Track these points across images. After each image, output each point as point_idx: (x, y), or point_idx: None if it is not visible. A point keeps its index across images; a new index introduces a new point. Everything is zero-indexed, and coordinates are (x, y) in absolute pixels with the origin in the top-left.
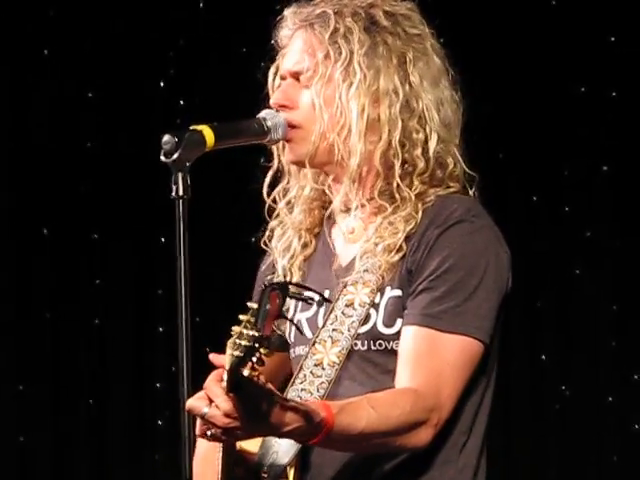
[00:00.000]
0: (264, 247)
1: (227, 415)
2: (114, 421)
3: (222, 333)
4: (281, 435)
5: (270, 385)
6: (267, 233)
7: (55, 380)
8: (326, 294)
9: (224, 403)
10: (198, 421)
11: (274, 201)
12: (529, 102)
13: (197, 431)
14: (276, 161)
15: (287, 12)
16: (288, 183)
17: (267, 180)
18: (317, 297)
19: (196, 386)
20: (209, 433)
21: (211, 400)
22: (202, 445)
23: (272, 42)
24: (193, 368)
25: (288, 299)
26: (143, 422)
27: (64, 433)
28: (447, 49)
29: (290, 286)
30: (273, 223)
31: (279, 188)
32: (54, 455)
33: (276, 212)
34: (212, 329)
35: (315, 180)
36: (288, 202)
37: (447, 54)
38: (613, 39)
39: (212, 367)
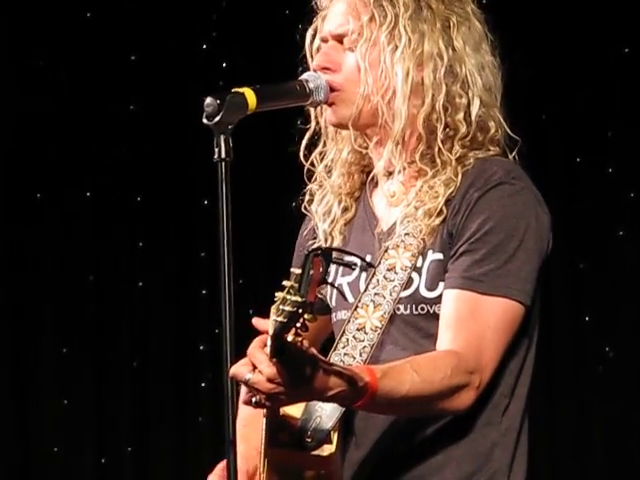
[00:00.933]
0: (304, 211)
1: (271, 380)
2: (158, 383)
3: (265, 295)
4: (325, 399)
5: (313, 349)
6: (307, 197)
7: (99, 344)
8: (367, 258)
9: (268, 368)
10: (242, 388)
11: (312, 165)
12: (572, 63)
13: (241, 399)
14: (313, 124)
15: None
16: (325, 146)
17: (304, 143)
18: (359, 262)
19: (239, 349)
20: (254, 400)
21: (255, 366)
22: (244, 408)
23: (312, 4)
24: (236, 331)
25: (331, 265)
26: (186, 384)
27: (108, 396)
28: (489, 12)
29: (333, 252)
30: (312, 187)
31: (317, 152)
32: (98, 418)
33: (315, 176)
34: (255, 291)
35: (353, 143)
36: (326, 166)
37: (488, 18)
38: None
39: (255, 330)
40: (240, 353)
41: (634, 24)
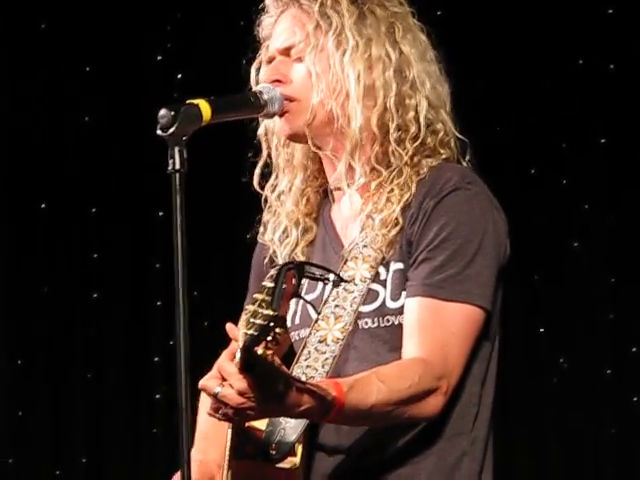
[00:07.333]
0: (260, 241)
1: (241, 394)
2: (112, 395)
3: (220, 307)
4: (293, 416)
5: (283, 366)
6: (261, 229)
7: (53, 354)
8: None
9: (239, 382)
10: (201, 401)
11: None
12: (527, 74)
13: (208, 410)
14: (265, 154)
15: (268, 1)
16: (277, 178)
17: (257, 173)
18: (332, 276)
19: (194, 361)
20: (220, 413)
21: (224, 379)
22: (203, 422)
23: (255, 33)
24: (191, 342)
25: (303, 279)
26: (141, 396)
27: (62, 407)
28: (443, 23)
29: (306, 265)
30: (266, 216)
31: (269, 184)
32: (52, 429)
33: (268, 205)
34: (210, 303)
35: (304, 168)
36: (279, 196)
37: (431, 30)
38: (611, 11)
39: (210, 341)
40: (195, 365)
41: (589, 35)
